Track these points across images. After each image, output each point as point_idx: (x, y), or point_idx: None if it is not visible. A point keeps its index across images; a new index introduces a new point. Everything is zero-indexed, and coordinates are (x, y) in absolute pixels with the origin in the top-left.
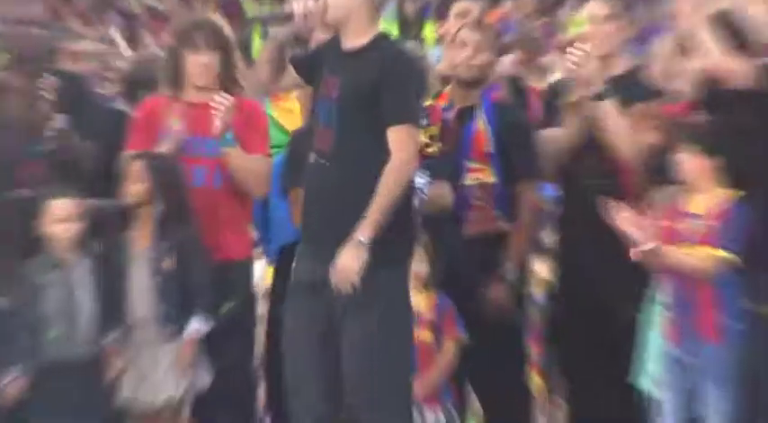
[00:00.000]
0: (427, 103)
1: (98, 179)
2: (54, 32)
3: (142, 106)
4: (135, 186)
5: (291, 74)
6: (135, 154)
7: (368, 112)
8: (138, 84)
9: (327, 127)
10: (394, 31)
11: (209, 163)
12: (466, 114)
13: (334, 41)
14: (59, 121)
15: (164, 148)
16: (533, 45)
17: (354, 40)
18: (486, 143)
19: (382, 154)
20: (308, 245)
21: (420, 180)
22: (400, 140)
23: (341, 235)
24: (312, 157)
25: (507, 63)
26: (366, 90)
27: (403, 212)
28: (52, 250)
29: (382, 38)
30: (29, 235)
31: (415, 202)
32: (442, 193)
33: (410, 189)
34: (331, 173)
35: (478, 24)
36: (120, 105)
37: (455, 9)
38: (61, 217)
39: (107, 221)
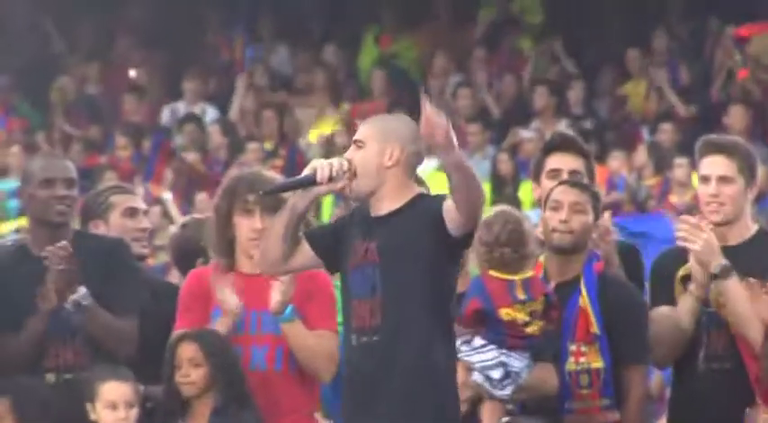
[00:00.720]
0: (527, 274)
1: (142, 362)
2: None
3: (189, 279)
4: (191, 372)
5: (303, 251)
6: (186, 334)
7: (416, 267)
8: (191, 252)
9: (368, 298)
10: (487, 191)
11: (269, 342)
12: (566, 289)
13: (360, 211)
14: (80, 294)
15: (219, 326)
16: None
17: (388, 206)
18: (592, 323)
19: (440, 314)
20: None
21: (517, 363)
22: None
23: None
24: (352, 340)
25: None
26: (412, 243)
27: None
28: None
29: (420, 197)
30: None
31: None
32: (546, 376)
33: None
34: (387, 347)
35: (573, 182)
36: (171, 277)
37: (548, 165)
38: (113, 403)
39: (159, 410)
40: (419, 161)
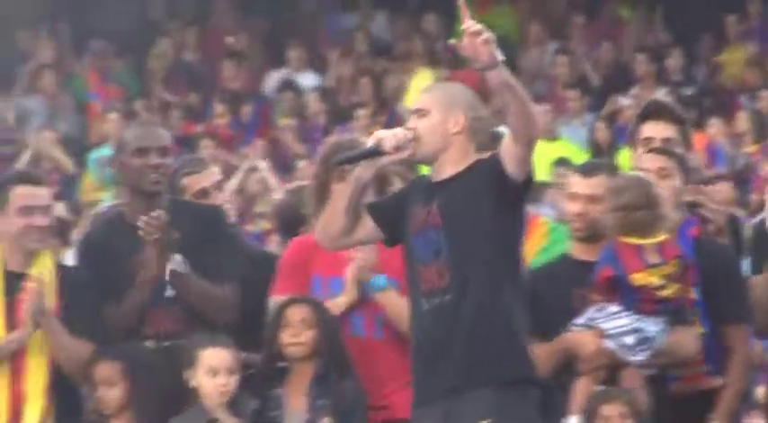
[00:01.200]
0: (659, 238)
1: (242, 327)
2: (185, 163)
3: (291, 247)
4: (301, 333)
5: (365, 224)
6: (297, 297)
7: (478, 225)
8: (294, 219)
9: (434, 261)
10: (584, 158)
11: (368, 310)
12: None
13: (420, 180)
14: (176, 262)
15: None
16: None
17: (450, 170)
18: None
19: (505, 274)
20: (435, 404)
21: (652, 328)
22: None
23: (483, 378)
24: (423, 304)
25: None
26: (473, 201)
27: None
28: (203, 406)
29: (479, 160)
30: (177, 388)
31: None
32: (684, 340)
33: None
34: (457, 307)
35: (659, 149)
36: (270, 244)
37: (642, 133)
38: (214, 369)
39: (260, 376)
40: (480, 126)
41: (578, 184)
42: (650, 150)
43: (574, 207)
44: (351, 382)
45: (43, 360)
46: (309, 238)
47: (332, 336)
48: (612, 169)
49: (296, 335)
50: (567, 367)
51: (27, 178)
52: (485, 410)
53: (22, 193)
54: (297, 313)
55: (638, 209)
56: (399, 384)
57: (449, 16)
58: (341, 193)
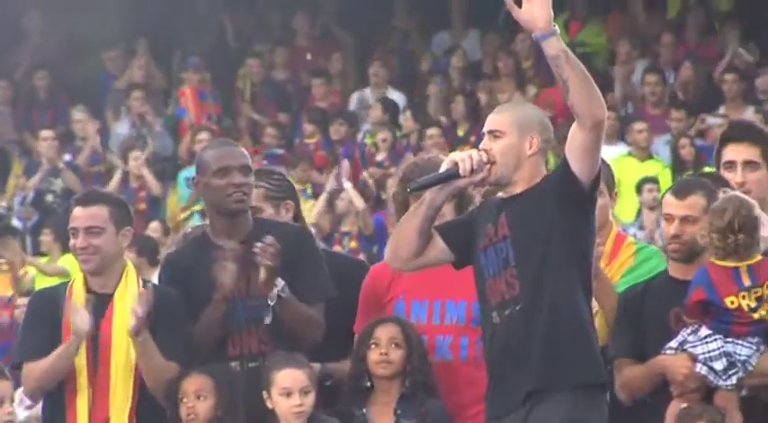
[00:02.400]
0: (754, 260)
1: (332, 341)
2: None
3: (370, 273)
4: (390, 352)
5: (436, 245)
6: (387, 317)
7: (547, 231)
8: None
9: (502, 272)
10: (667, 177)
11: (453, 332)
12: None
13: (489, 202)
14: (280, 287)
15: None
16: None
17: (519, 189)
18: None
19: (575, 278)
20: (512, 414)
21: (745, 351)
22: None
23: (560, 381)
24: (493, 318)
25: None
26: (541, 208)
27: None
28: None
29: (547, 175)
30: (260, 409)
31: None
32: None
33: None
34: (530, 314)
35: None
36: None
37: (724, 156)
38: (288, 390)
39: (345, 393)
40: (549, 147)
41: (673, 205)
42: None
43: (669, 228)
44: (436, 402)
45: (129, 378)
46: (384, 266)
47: (419, 356)
48: (707, 188)
49: (384, 354)
50: (664, 388)
51: (81, 198)
52: (563, 412)
53: (72, 214)
54: (386, 332)
55: (738, 232)
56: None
57: None
58: (411, 215)
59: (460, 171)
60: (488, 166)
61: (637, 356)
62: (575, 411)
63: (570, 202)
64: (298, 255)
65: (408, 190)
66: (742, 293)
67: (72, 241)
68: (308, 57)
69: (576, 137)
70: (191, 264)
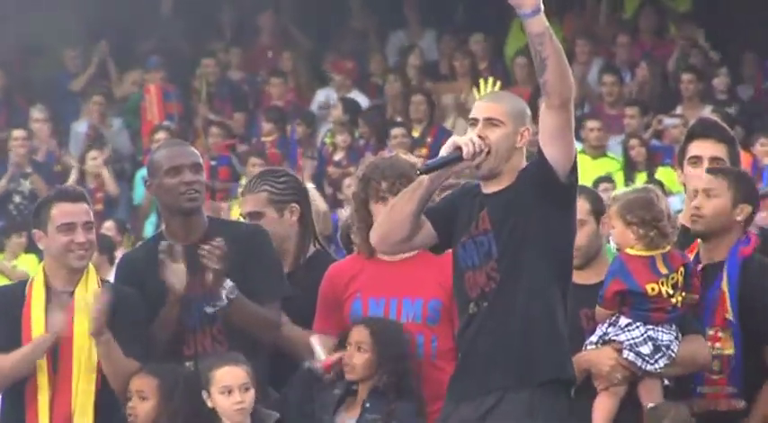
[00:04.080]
0: (667, 248)
1: None
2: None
3: (327, 272)
4: (354, 356)
5: (425, 229)
6: (363, 320)
7: (527, 223)
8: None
9: (484, 264)
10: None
11: (409, 330)
12: (710, 273)
13: (470, 189)
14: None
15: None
16: None
17: (505, 182)
18: (727, 309)
19: (553, 276)
20: (472, 401)
21: (666, 336)
22: None
23: (524, 380)
24: (470, 308)
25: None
26: (521, 200)
27: None
28: None
29: (524, 168)
30: (197, 409)
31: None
32: (696, 349)
33: None
34: (505, 308)
35: (716, 167)
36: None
37: (689, 152)
38: (228, 387)
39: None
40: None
41: None
42: (708, 171)
43: None
44: (407, 404)
45: (92, 376)
46: (347, 262)
47: (392, 358)
48: (588, 191)
49: (349, 357)
50: (585, 386)
51: (67, 195)
52: (523, 410)
53: (62, 211)
54: (353, 335)
55: (666, 219)
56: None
57: (496, 35)
58: (407, 200)
59: (464, 155)
60: (484, 153)
61: None
62: (536, 408)
63: (548, 194)
64: (250, 254)
65: (418, 172)
66: (661, 280)
67: (64, 237)
68: (269, 55)
69: (545, 121)
70: (146, 264)
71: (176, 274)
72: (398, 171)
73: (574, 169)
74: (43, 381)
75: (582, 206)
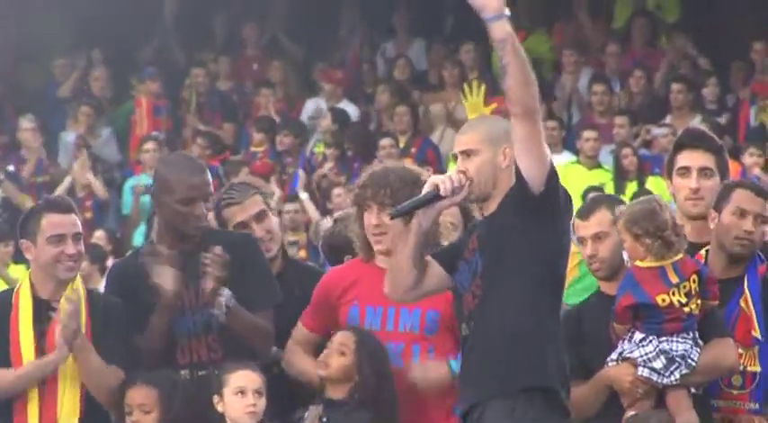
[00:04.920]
0: (677, 257)
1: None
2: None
3: (325, 276)
4: (332, 359)
5: (435, 272)
6: (350, 327)
7: (508, 238)
8: (339, 247)
9: (472, 284)
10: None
11: (406, 339)
12: (724, 289)
13: (474, 225)
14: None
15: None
16: None
17: (493, 207)
18: (755, 327)
19: (537, 289)
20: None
21: (681, 346)
22: None
23: (493, 390)
24: (463, 330)
25: None
26: (501, 218)
27: None
28: None
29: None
30: (208, 417)
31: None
32: (721, 352)
33: None
34: (483, 327)
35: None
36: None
37: (678, 162)
38: (242, 388)
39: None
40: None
41: (581, 227)
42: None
43: (585, 250)
44: (365, 414)
45: (76, 386)
46: (345, 268)
47: (371, 373)
48: (609, 201)
49: (327, 356)
50: (613, 402)
51: (56, 206)
52: (503, 415)
53: (51, 222)
54: (339, 337)
55: (671, 228)
56: (441, 415)
57: (485, 44)
58: (402, 246)
59: (441, 192)
60: (467, 184)
61: (581, 377)
62: (516, 411)
63: (525, 206)
64: (243, 262)
65: (390, 217)
66: (672, 290)
67: (54, 249)
68: (255, 67)
69: (515, 131)
70: (138, 272)
71: (164, 275)
72: (387, 181)
73: (551, 178)
74: (33, 392)
75: (604, 217)
